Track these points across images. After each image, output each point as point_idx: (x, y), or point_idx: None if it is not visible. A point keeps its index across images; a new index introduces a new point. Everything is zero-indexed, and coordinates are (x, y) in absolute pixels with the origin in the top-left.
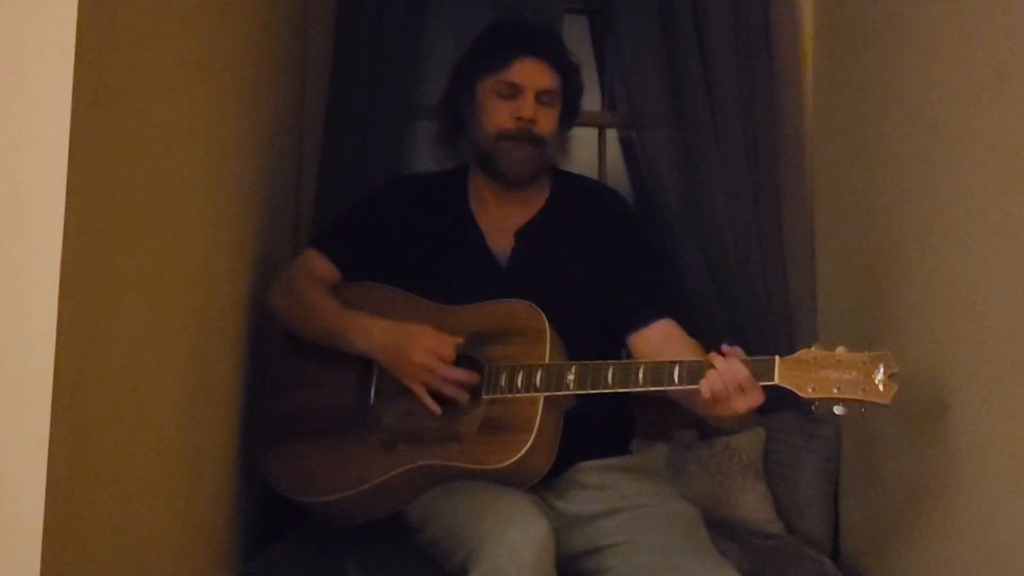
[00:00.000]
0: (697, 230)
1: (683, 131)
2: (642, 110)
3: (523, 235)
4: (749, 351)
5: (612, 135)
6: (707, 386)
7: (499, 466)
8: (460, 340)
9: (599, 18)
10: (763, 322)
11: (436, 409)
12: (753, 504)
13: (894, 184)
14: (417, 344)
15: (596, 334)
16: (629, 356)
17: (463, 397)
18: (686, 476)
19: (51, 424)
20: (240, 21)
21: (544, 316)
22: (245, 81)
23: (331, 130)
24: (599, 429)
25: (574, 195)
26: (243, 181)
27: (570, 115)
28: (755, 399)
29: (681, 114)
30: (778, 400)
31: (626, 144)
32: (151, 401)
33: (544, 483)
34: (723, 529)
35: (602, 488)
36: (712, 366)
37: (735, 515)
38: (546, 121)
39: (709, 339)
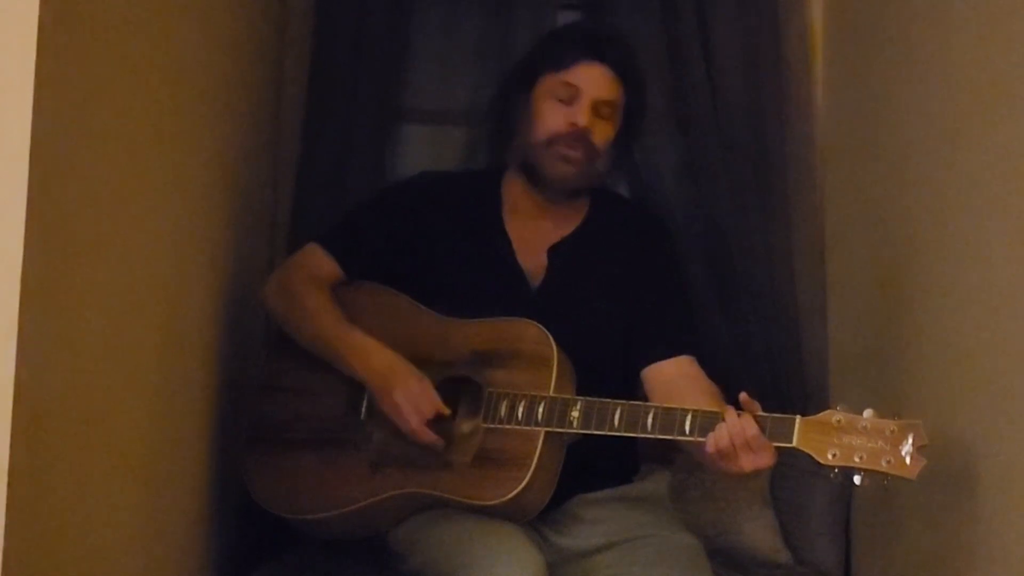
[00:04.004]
0: (699, 240)
1: (685, 136)
2: None
3: (557, 254)
4: (754, 369)
5: None
6: (713, 441)
7: (491, 503)
8: (447, 412)
9: (595, 14)
10: (769, 339)
11: (438, 442)
12: (759, 532)
13: (910, 193)
14: (408, 383)
15: (622, 367)
16: (641, 389)
17: (435, 442)
18: (688, 502)
19: (11, 442)
20: (212, 18)
21: (554, 342)
22: (218, 81)
23: (310, 134)
24: (602, 461)
25: (613, 216)
26: (216, 187)
27: (629, 134)
28: (764, 460)
29: (683, 117)
30: None
31: None
32: (117, 417)
33: (540, 515)
34: (727, 559)
35: (601, 521)
36: (724, 419)
37: (740, 543)
38: (601, 134)
39: (711, 355)
